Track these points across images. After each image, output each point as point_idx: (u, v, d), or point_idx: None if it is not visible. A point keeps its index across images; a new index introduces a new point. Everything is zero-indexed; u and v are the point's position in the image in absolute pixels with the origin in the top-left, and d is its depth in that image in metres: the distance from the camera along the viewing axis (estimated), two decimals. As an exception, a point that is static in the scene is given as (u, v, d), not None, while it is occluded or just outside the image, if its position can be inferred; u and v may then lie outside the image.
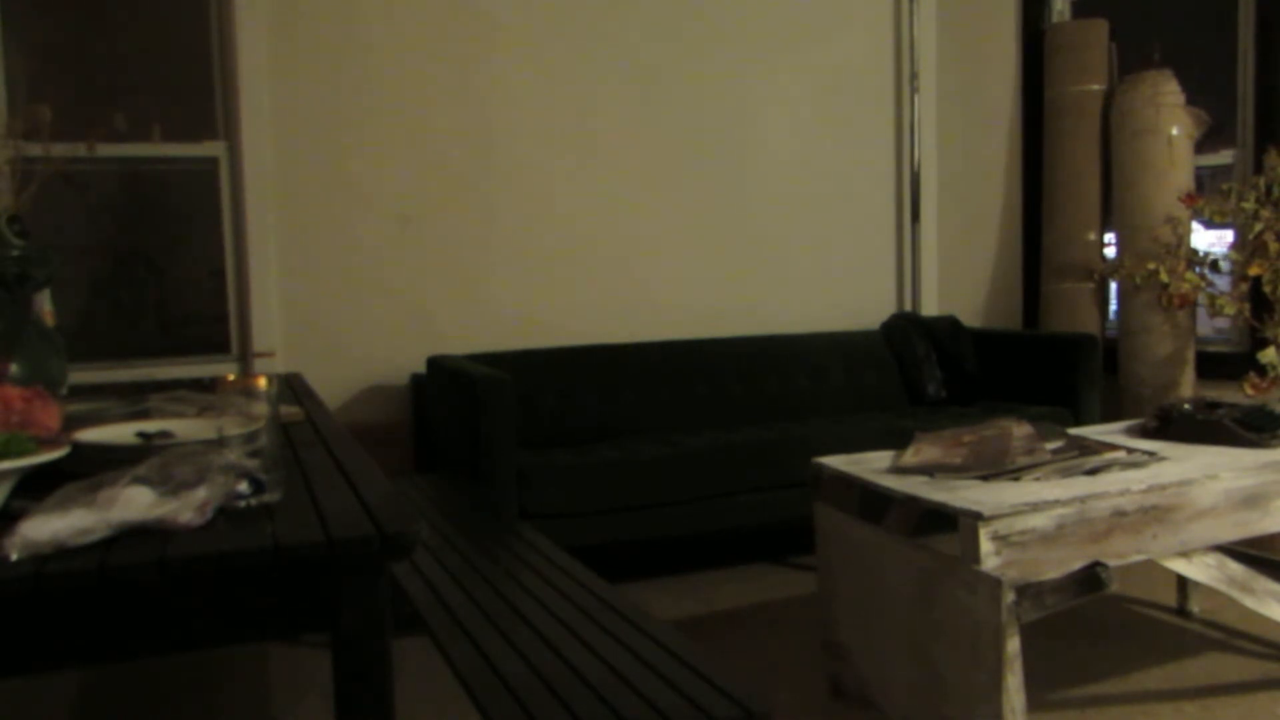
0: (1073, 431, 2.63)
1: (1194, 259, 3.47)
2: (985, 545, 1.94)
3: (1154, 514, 2.14)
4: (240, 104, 3.41)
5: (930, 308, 4.52)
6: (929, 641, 2.10)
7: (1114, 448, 2.39)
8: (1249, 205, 3.21)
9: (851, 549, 2.35)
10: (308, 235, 3.53)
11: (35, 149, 2.46)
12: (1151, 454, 2.36)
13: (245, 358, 3.51)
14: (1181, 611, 2.95)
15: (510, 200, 3.80)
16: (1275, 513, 2.30)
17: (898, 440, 2.79)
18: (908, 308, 4.50)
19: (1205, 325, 3.69)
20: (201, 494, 1.14)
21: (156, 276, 3.57)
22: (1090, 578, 1.93)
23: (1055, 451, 2.33)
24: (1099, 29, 3.86)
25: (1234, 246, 3.48)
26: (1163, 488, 2.15)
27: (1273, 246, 3.16)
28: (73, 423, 1.57)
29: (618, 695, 1.50)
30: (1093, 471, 2.23)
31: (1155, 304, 3.55)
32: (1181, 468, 2.27)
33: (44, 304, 2.19)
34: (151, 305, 3.56)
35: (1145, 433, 2.63)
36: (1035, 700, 2.40)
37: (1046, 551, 2.01)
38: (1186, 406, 2.60)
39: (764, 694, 2.51)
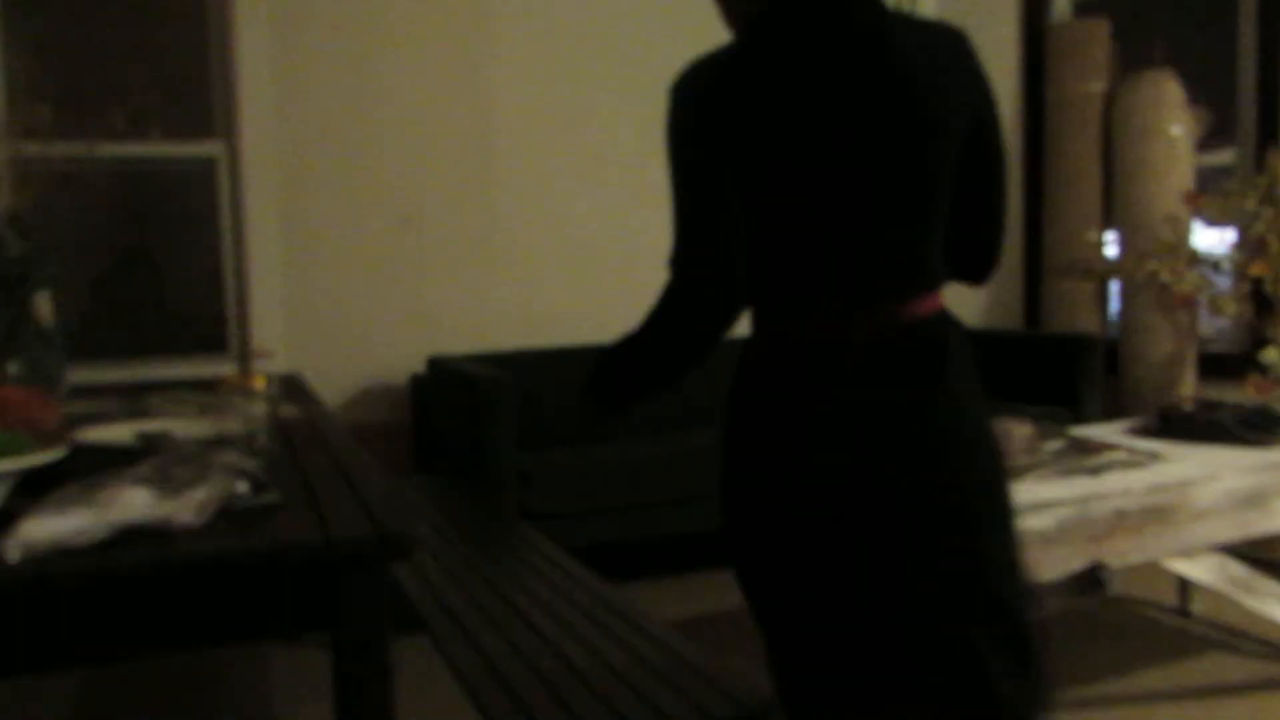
0: (1073, 431, 2.62)
1: (1195, 258, 3.46)
2: (986, 545, 1.94)
3: (1155, 514, 2.14)
4: (240, 103, 3.41)
5: (931, 307, 4.52)
6: (930, 641, 2.09)
7: (1115, 448, 2.39)
8: (1250, 205, 3.21)
9: (852, 549, 2.34)
10: (308, 235, 3.53)
11: (35, 149, 2.46)
12: (1152, 454, 2.36)
13: (245, 357, 3.50)
14: (1182, 611, 2.94)
15: (511, 200, 3.80)
16: (1276, 513, 2.30)
17: (898, 440, 2.78)
18: (908, 307, 4.50)
19: (1206, 325, 3.69)
20: (201, 494, 1.13)
21: (156, 276, 3.57)
22: (1090, 578, 1.93)
23: (1056, 451, 2.32)
24: (1100, 28, 3.85)
25: (1235, 246, 3.48)
26: (1164, 488, 2.15)
27: (1274, 246, 3.16)
28: (73, 423, 1.57)
29: (618, 695, 1.50)
30: (1094, 471, 2.23)
31: (1156, 304, 3.54)
32: (1182, 468, 2.27)
33: (44, 304, 2.18)
34: (151, 305, 3.56)
35: (1146, 433, 2.63)
36: (1036, 700, 2.39)
37: (1047, 551, 2.00)
38: (1187, 407, 2.59)
39: (764, 694, 2.51)
